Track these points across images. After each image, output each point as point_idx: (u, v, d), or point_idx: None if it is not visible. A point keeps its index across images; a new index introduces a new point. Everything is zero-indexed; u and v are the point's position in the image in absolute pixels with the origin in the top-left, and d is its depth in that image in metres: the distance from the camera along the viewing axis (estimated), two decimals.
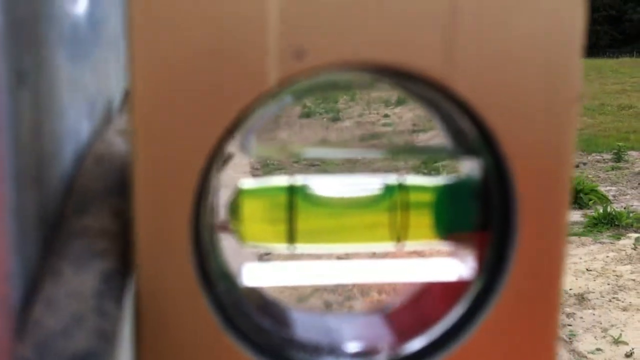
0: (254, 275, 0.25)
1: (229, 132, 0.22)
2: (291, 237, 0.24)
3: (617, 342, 2.45)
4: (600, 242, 3.54)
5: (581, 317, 2.67)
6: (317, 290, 2.56)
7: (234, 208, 0.25)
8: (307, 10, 0.21)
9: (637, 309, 2.74)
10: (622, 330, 2.53)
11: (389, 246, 0.25)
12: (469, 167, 0.25)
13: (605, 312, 2.72)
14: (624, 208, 4.08)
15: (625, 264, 3.22)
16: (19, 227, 0.20)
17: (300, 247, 0.25)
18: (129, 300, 0.22)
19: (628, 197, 4.57)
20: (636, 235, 3.61)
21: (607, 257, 3.32)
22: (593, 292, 2.90)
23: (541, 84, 0.22)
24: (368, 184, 0.25)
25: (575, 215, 4.01)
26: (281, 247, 0.25)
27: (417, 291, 0.27)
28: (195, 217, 0.22)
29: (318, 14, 0.21)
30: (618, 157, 5.76)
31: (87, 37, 0.29)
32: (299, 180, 0.25)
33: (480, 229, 0.25)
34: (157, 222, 0.21)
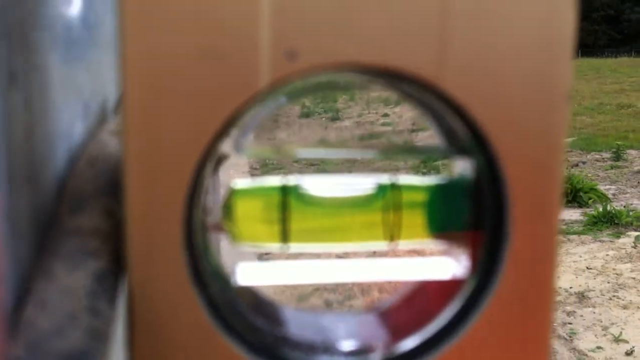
0: (247, 274, 0.25)
1: (222, 133, 0.22)
2: (284, 237, 0.24)
3: (617, 340, 2.45)
4: (600, 241, 3.54)
5: (581, 316, 2.67)
6: (317, 289, 2.56)
7: (227, 208, 0.25)
8: (299, 11, 0.21)
9: (638, 307, 2.74)
10: (622, 329, 2.53)
11: (382, 245, 0.25)
12: (462, 167, 0.25)
13: (605, 310, 2.72)
14: (624, 206, 4.09)
15: (625, 262, 3.22)
16: (12, 228, 0.20)
17: (294, 247, 0.25)
18: (121, 299, 0.22)
19: (627, 195, 4.58)
20: (636, 233, 3.61)
21: (607, 255, 3.32)
22: (593, 291, 2.90)
23: (532, 85, 0.23)
24: (361, 184, 0.25)
25: (575, 214, 4.02)
26: (274, 247, 0.25)
27: (412, 290, 0.28)
28: (188, 217, 0.22)
29: (310, 16, 0.21)
30: (617, 156, 5.76)
31: (81, 38, 0.29)
32: (292, 180, 0.25)
33: (473, 228, 0.25)
34: (150, 222, 0.21)
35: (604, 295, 2.86)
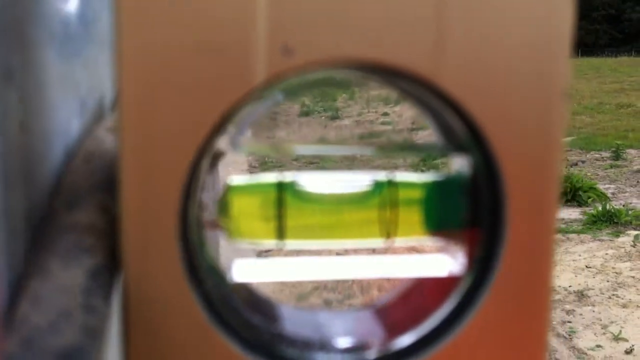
0: (243, 271, 0.25)
1: (217, 129, 0.22)
2: (280, 234, 0.24)
3: (617, 338, 2.45)
4: (599, 240, 3.54)
5: (581, 314, 2.67)
6: (316, 288, 2.56)
7: (223, 204, 0.25)
8: (294, 7, 0.21)
9: (637, 306, 2.74)
10: (621, 327, 2.53)
11: (378, 243, 0.25)
12: (459, 164, 0.25)
13: (605, 309, 2.72)
14: (623, 205, 4.09)
15: (624, 261, 3.22)
16: (7, 224, 0.20)
17: (290, 244, 0.25)
18: (117, 296, 0.22)
19: (627, 194, 4.58)
20: (635, 232, 3.61)
21: (607, 254, 3.32)
22: (593, 289, 2.90)
23: (530, 82, 0.22)
24: (358, 181, 0.25)
25: (574, 213, 4.02)
26: (270, 244, 0.25)
27: (408, 287, 0.28)
28: (184, 213, 0.22)
29: (306, 12, 0.21)
30: (617, 155, 5.76)
31: (78, 35, 0.29)
32: (288, 176, 0.25)
33: (469, 226, 0.25)
34: (145, 218, 0.21)
35: (603, 294, 2.86)
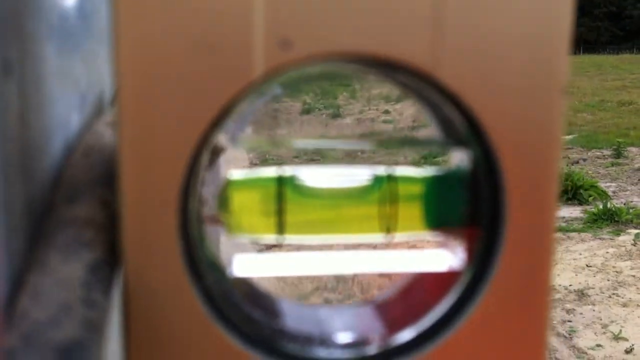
0: (244, 265, 0.25)
1: (216, 123, 0.21)
2: (281, 229, 0.24)
3: (617, 338, 2.45)
4: (600, 238, 3.54)
5: (581, 313, 2.67)
6: (317, 288, 2.57)
7: (223, 199, 0.25)
8: (292, 0, 0.21)
9: (637, 305, 2.74)
10: (622, 326, 2.53)
11: (378, 238, 0.25)
12: (459, 159, 0.25)
13: (605, 308, 2.72)
14: (624, 204, 4.09)
15: (625, 260, 3.22)
16: (6, 219, 0.20)
17: (290, 239, 0.25)
18: (117, 290, 0.22)
19: (628, 193, 4.58)
20: (636, 231, 3.61)
21: (607, 253, 3.32)
22: (593, 288, 2.90)
23: (529, 75, 0.22)
24: (357, 176, 0.25)
25: (575, 211, 4.02)
26: (270, 239, 0.25)
27: (408, 282, 0.27)
28: (183, 207, 0.22)
29: (303, 5, 0.21)
30: (618, 154, 5.76)
31: (77, 29, 0.29)
32: (288, 171, 0.25)
33: (469, 223, 0.25)
34: (145, 212, 0.21)
35: (603, 293, 2.86)
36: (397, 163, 0.26)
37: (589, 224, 3.77)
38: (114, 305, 0.22)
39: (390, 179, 0.25)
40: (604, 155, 5.88)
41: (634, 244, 3.43)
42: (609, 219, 3.78)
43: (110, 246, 0.22)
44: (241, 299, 0.25)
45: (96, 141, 0.26)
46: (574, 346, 2.42)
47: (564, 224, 3.77)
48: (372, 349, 0.24)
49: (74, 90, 0.28)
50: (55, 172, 0.24)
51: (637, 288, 2.92)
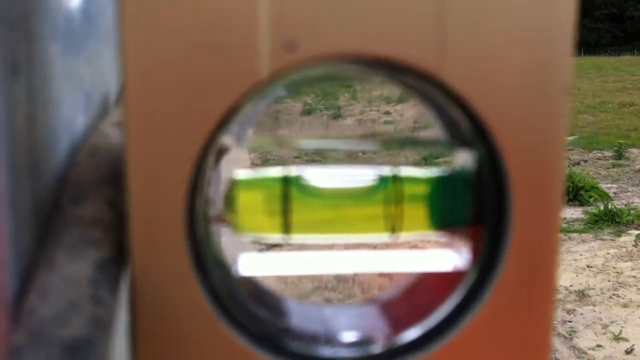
0: (249, 264, 0.25)
1: (222, 124, 0.22)
2: (286, 228, 0.24)
3: (617, 338, 2.45)
4: (600, 239, 3.54)
5: (581, 314, 2.67)
6: (317, 288, 2.57)
7: (229, 199, 0.25)
8: (297, 2, 0.21)
9: (638, 306, 2.74)
10: (622, 327, 2.53)
11: (383, 238, 0.25)
12: (464, 159, 0.25)
13: (605, 308, 2.72)
14: (625, 205, 4.08)
15: (625, 261, 3.22)
16: (14, 217, 0.20)
17: (295, 238, 0.25)
18: (124, 288, 0.22)
19: (629, 194, 4.57)
20: (637, 232, 3.61)
21: (608, 253, 3.32)
22: (593, 289, 2.90)
23: (532, 76, 0.23)
24: (362, 176, 0.25)
25: (576, 212, 4.02)
26: (276, 238, 0.25)
27: (413, 282, 0.28)
28: (190, 207, 0.22)
29: (309, 6, 0.21)
30: (619, 155, 5.76)
31: (82, 30, 0.29)
32: (293, 171, 0.25)
33: (474, 223, 0.25)
34: (152, 211, 0.22)
35: (604, 293, 2.86)
36: (398, 164, 0.26)
37: (589, 224, 3.76)
38: (121, 303, 0.23)
39: (396, 179, 0.25)
40: (605, 157, 5.88)
41: (635, 245, 3.43)
42: (609, 220, 3.78)
43: (117, 245, 0.22)
44: (247, 298, 0.25)
45: (101, 141, 0.26)
46: (574, 346, 2.42)
47: (565, 225, 3.77)
48: (376, 348, 0.24)
49: (79, 90, 0.28)
50: (61, 172, 0.25)
51: (638, 289, 2.91)
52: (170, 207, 0.22)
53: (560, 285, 2.92)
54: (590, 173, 4.98)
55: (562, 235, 3.55)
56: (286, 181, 0.25)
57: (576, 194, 4.22)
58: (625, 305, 2.75)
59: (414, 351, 0.24)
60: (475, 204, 0.25)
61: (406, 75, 0.23)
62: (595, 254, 3.32)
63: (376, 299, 0.28)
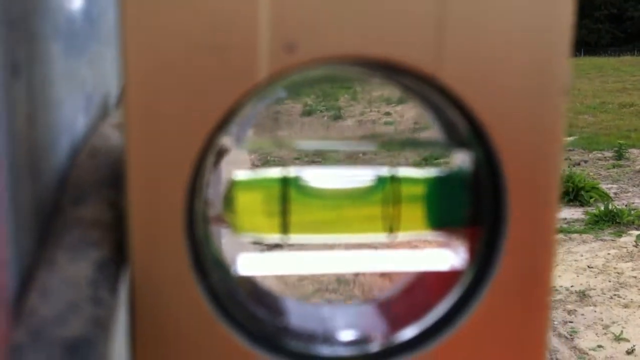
0: (248, 264, 0.26)
1: (221, 125, 0.22)
2: (285, 229, 0.25)
3: (618, 339, 2.45)
4: (601, 240, 3.54)
5: (582, 314, 2.67)
6: (318, 290, 2.57)
7: (228, 200, 0.25)
8: (297, 4, 0.21)
9: (639, 306, 2.74)
10: (623, 327, 2.53)
11: (381, 238, 0.25)
12: (461, 160, 0.25)
13: (606, 309, 2.72)
14: (625, 205, 4.08)
15: (626, 261, 3.22)
16: (14, 217, 0.21)
17: (294, 238, 0.25)
18: (123, 288, 0.22)
19: (629, 194, 4.57)
20: (637, 232, 3.61)
21: (609, 254, 3.32)
22: (594, 289, 2.90)
23: (530, 77, 0.23)
24: (361, 176, 0.26)
25: (577, 213, 4.02)
26: (275, 239, 0.25)
27: (410, 281, 0.28)
28: (189, 207, 0.22)
29: (308, 8, 0.21)
30: (619, 155, 5.76)
31: (84, 31, 0.29)
32: (292, 171, 0.25)
33: (471, 223, 0.25)
34: (151, 212, 0.22)
35: (605, 294, 2.86)
36: (398, 164, 0.26)
37: (590, 225, 3.77)
38: (121, 303, 0.23)
39: (394, 179, 0.25)
40: (605, 157, 5.88)
41: (635, 246, 3.43)
42: (610, 221, 3.78)
43: (117, 245, 0.22)
44: (245, 297, 0.25)
45: (102, 143, 0.26)
46: (575, 347, 2.42)
47: (565, 226, 3.77)
48: (374, 347, 0.25)
49: (80, 91, 0.28)
50: (62, 172, 0.25)
51: (639, 289, 2.91)
52: (170, 208, 0.22)
53: (561, 286, 2.92)
54: (591, 174, 4.98)
55: (562, 236, 3.55)
56: (285, 182, 0.25)
57: (576, 195, 4.22)
58: (626, 306, 2.75)
59: (411, 350, 0.24)
60: (472, 205, 0.25)
61: (404, 76, 0.23)
62: (596, 255, 3.32)
63: (374, 298, 0.28)
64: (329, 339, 0.25)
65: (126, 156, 0.21)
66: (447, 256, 0.26)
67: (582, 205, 4.16)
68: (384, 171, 0.26)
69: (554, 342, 2.45)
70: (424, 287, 0.27)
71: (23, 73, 0.21)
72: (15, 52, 0.21)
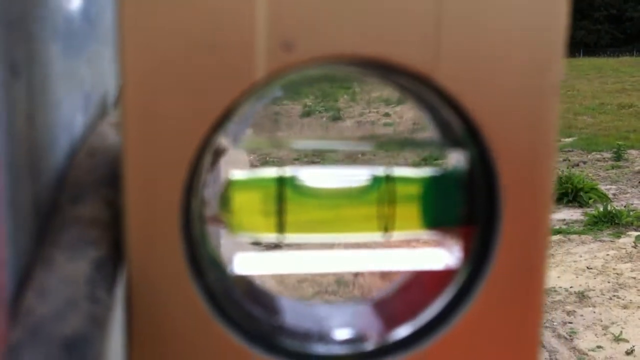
0: (245, 263, 0.26)
1: (218, 125, 0.22)
2: (281, 228, 0.25)
3: (617, 339, 2.45)
4: (600, 241, 3.54)
5: (582, 315, 2.67)
6: (318, 292, 2.57)
7: (225, 199, 0.25)
8: (294, 2, 0.21)
9: (638, 307, 2.74)
10: (622, 328, 2.53)
11: (376, 237, 0.26)
12: (456, 160, 0.26)
13: (605, 309, 2.72)
14: (624, 206, 4.09)
15: (625, 262, 3.22)
16: (13, 216, 0.21)
17: (290, 238, 0.25)
18: (120, 287, 0.23)
19: (628, 195, 4.58)
20: (636, 233, 3.61)
21: (608, 255, 3.32)
22: (593, 290, 2.90)
23: (524, 77, 0.23)
24: (356, 176, 0.26)
25: (576, 214, 4.02)
26: (271, 238, 0.25)
27: (405, 280, 0.28)
28: (186, 207, 0.22)
29: (306, 7, 0.21)
30: (618, 156, 5.76)
31: (82, 31, 0.29)
32: (288, 171, 0.25)
33: (466, 222, 0.25)
34: (148, 211, 0.22)
35: (604, 294, 2.86)
36: (397, 165, 0.26)
37: (589, 226, 3.77)
38: (118, 301, 0.23)
39: (389, 179, 0.25)
40: (604, 158, 5.88)
41: (634, 246, 3.43)
42: (609, 222, 3.78)
43: (114, 244, 0.22)
44: (241, 296, 0.25)
45: (100, 142, 0.26)
46: (574, 347, 2.42)
47: (564, 227, 3.77)
48: (369, 345, 0.25)
49: (78, 91, 0.28)
50: (60, 172, 0.25)
51: (638, 290, 2.92)
52: (167, 207, 0.22)
53: (560, 287, 2.92)
54: (590, 174, 4.99)
55: (561, 237, 3.55)
56: (281, 182, 0.25)
57: (575, 196, 4.22)
58: (625, 307, 2.75)
59: (406, 348, 0.24)
60: (467, 204, 0.25)
61: (400, 76, 0.23)
62: (595, 256, 3.32)
63: (370, 297, 0.29)
64: (324, 337, 0.25)
65: (123, 155, 0.22)
66: (441, 255, 0.26)
67: (581, 206, 4.17)
68: (380, 171, 0.26)
69: (553, 342, 2.45)
70: (419, 286, 0.27)
71: (22, 73, 0.22)
72: (15, 52, 0.21)
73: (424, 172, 0.26)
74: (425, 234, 0.26)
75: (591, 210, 3.95)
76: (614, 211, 3.83)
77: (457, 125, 0.24)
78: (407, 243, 0.27)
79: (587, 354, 2.37)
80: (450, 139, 0.25)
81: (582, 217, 3.93)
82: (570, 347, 2.43)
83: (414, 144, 0.29)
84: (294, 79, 0.23)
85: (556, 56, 0.23)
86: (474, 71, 0.22)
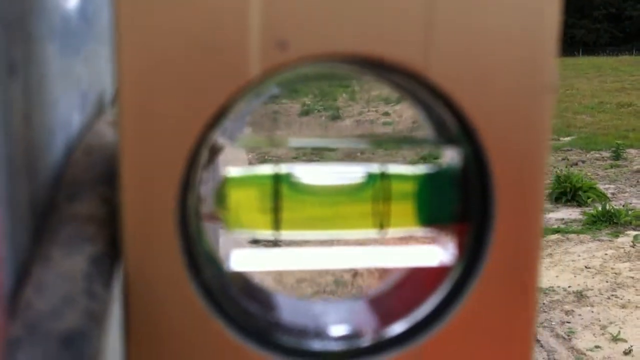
0: (241, 260, 0.26)
1: (214, 123, 0.22)
2: (277, 225, 0.25)
3: (615, 339, 2.45)
4: (598, 240, 3.54)
5: (580, 315, 2.67)
6: (317, 292, 2.57)
7: (221, 197, 0.25)
8: (288, 2, 0.22)
9: (636, 306, 2.74)
10: (620, 328, 2.53)
11: (372, 234, 0.26)
12: (450, 157, 0.26)
13: (604, 309, 2.72)
14: (623, 206, 4.09)
15: (623, 262, 3.22)
16: (10, 214, 0.21)
17: (286, 235, 0.25)
18: (117, 283, 0.23)
19: (627, 194, 4.58)
20: (635, 232, 3.61)
21: (606, 254, 3.32)
22: (592, 290, 2.90)
23: (517, 74, 0.23)
24: (351, 173, 0.26)
25: (574, 213, 4.02)
26: (267, 235, 0.25)
27: (400, 277, 0.28)
28: (182, 203, 0.23)
29: (300, 6, 0.22)
30: (617, 155, 5.76)
31: (79, 30, 0.30)
32: (284, 168, 0.25)
33: (460, 219, 0.25)
34: (145, 208, 0.22)
35: (602, 294, 2.87)
36: (394, 163, 0.26)
37: (587, 225, 3.77)
38: (114, 297, 0.23)
39: (384, 176, 0.26)
40: (602, 157, 5.88)
41: (633, 246, 3.44)
42: (607, 221, 3.78)
43: (111, 240, 0.23)
44: (238, 293, 0.25)
45: (97, 140, 0.27)
46: (572, 347, 2.42)
47: (562, 226, 3.77)
48: (365, 341, 0.25)
49: (75, 90, 0.29)
50: (57, 170, 0.25)
51: (636, 289, 2.92)
52: (163, 205, 0.22)
53: (559, 286, 2.92)
54: (588, 174, 4.99)
55: (559, 236, 3.55)
56: (277, 179, 0.25)
57: (574, 195, 4.23)
58: (623, 306, 2.75)
59: (401, 344, 0.24)
60: (461, 201, 0.25)
61: (394, 74, 0.23)
62: (593, 255, 3.32)
63: (365, 294, 0.29)
64: (320, 334, 0.26)
65: (120, 153, 0.22)
66: (436, 252, 0.26)
67: (579, 205, 4.17)
68: (375, 168, 0.26)
69: (552, 342, 2.45)
70: (413, 283, 0.27)
71: (19, 72, 0.22)
72: (12, 52, 0.21)
73: (419, 169, 0.26)
74: (420, 231, 0.26)
75: (590, 210, 3.95)
76: (612, 210, 3.83)
77: (452, 123, 0.24)
78: (402, 240, 0.27)
79: (585, 354, 2.37)
80: (445, 137, 0.25)
81: (580, 217, 3.93)
82: (568, 346, 2.43)
83: (411, 142, 0.29)
84: (290, 77, 0.23)
85: (549, 55, 0.23)
86: (466, 69, 0.23)
